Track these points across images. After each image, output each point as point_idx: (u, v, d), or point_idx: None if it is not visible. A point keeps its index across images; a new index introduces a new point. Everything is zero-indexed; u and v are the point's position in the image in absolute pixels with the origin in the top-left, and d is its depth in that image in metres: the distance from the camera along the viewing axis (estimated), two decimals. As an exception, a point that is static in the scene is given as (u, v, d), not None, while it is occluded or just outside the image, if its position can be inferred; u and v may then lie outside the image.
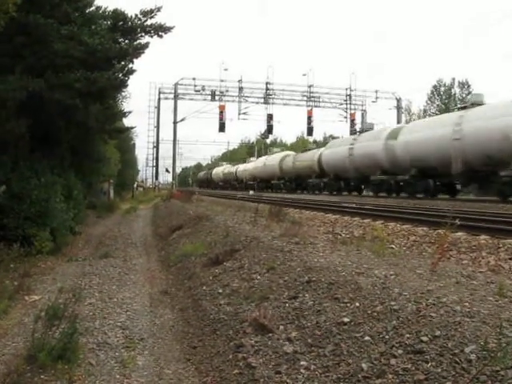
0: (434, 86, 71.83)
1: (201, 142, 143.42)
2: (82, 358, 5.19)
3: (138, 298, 8.21)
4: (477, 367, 3.15)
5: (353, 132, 56.09)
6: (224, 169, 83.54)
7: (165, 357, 5.51)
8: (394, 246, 9.22)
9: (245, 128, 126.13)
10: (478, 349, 3.33)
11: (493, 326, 3.62)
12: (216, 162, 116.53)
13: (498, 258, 7.80)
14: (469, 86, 69.54)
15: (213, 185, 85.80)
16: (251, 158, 74.60)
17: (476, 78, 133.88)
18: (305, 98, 58.91)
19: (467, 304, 4.19)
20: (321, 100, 59.29)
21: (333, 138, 52.03)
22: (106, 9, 15.86)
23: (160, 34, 15.62)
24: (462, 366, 3.23)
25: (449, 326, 3.76)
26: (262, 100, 57.87)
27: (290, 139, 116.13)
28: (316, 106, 59.12)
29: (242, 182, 67.51)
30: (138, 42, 15.81)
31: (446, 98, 70.59)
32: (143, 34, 15.68)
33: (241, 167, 71.74)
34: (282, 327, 4.92)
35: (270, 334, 4.82)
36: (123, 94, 30.04)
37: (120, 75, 15.91)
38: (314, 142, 65.70)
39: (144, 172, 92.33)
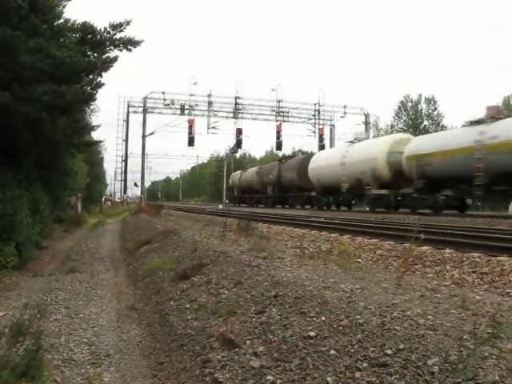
0: (402, 102, 73.08)
1: (170, 155, 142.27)
2: (46, 375, 5.07)
3: (104, 314, 8.11)
4: (439, 379, 3.20)
5: (321, 147, 57.25)
6: (380, 144, 31.22)
7: (131, 373, 5.45)
8: (360, 260, 9.32)
9: (214, 142, 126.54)
10: (441, 361, 3.38)
11: (455, 338, 3.68)
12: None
13: (461, 272, 7.95)
14: (435, 102, 71.05)
15: (301, 197, 42.01)
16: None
17: (446, 93, 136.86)
18: (274, 113, 58.95)
19: (431, 317, 4.26)
20: (290, 115, 59.50)
21: (302, 152, 52.43)
22: (74, 21, 15.80)
23: (129, 47, 15.62)
24: (425, 378, 3.28)
25: (412, 339, 3.82)
26: (232, 114, 57.75)
27: (259, 154, 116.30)
28: (285, 121, 59.26)
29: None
30: (106, 55, 15.78)
31: (413, 114, 71.83)
32: (112, 48, 15.64)
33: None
34: (248, 342, 4.92)
35: (237, 349, 4.81)
36: (91, 107, 30.08)
37: (88, 89, 15.86)
38: (283, 156, 65.87)
39: (112, 186, 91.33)
